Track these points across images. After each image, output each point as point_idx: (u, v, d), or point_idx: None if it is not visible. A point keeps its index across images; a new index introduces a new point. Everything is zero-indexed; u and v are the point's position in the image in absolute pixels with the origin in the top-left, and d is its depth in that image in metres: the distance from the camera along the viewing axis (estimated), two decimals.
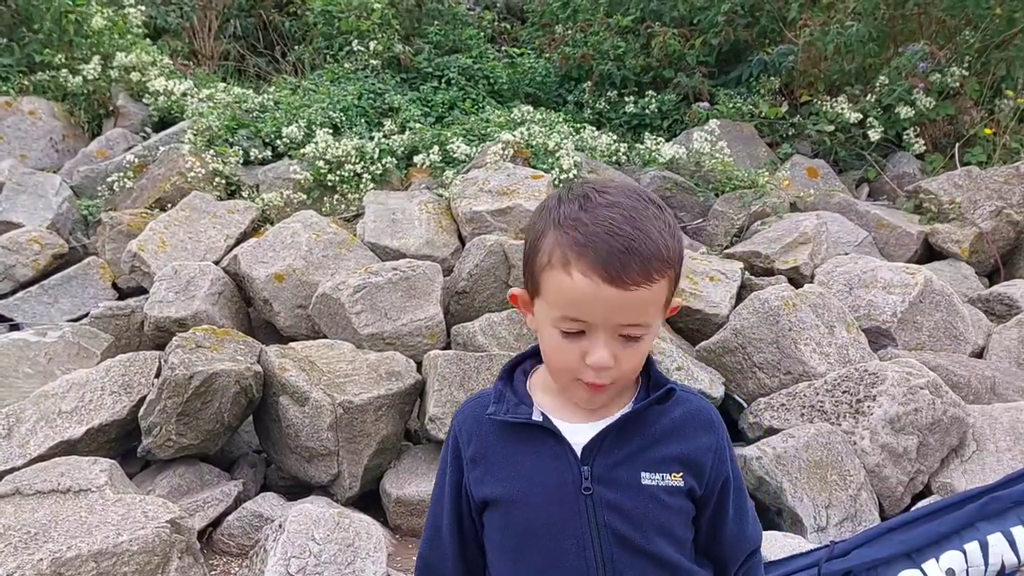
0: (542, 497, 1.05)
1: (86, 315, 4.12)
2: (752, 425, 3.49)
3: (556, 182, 4.74)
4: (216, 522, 3.07)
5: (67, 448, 2.98)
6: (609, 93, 6.30)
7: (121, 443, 3.17)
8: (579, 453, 1.05)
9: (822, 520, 3.03)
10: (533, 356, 1.16)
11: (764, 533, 2.86)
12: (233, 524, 3.04)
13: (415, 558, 2.91)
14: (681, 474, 1.06)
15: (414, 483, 3.27)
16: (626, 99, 6.20)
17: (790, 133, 6.01)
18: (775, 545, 2.74)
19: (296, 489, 3.34)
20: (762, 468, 3.04)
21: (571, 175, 4.75)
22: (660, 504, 1.05)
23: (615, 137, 5.51)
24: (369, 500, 3.33)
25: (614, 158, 5.29)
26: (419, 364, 3.52)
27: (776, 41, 6.44)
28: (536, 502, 1.05)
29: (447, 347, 3.79)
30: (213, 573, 2.86)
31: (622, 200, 0.99)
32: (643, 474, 1.05)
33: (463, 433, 1.13)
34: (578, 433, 1.07)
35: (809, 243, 4.44)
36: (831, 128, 5.78)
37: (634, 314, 0.98)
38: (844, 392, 3.36)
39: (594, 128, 5.65)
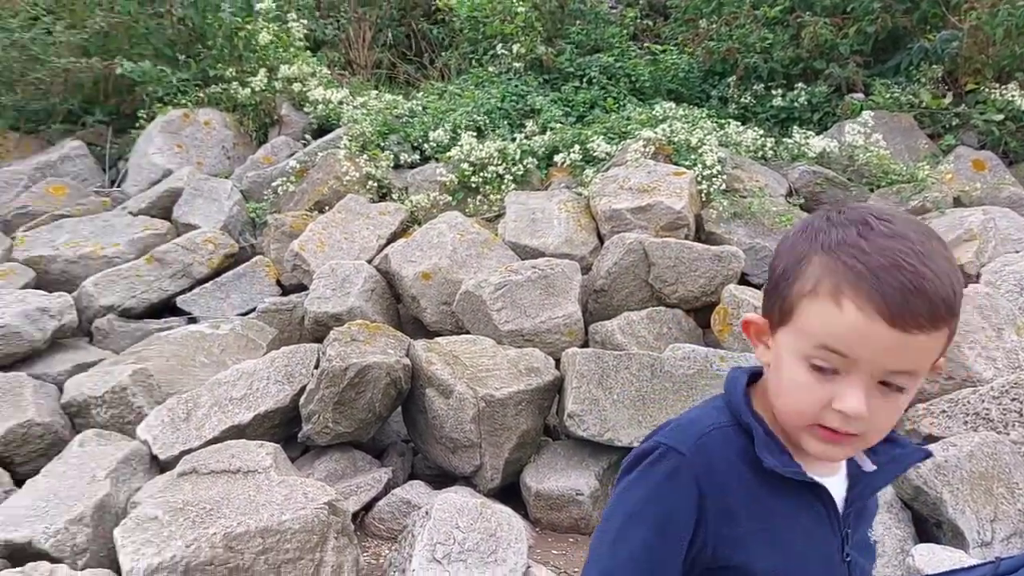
0: (812, 569, 0.93)
1: (253, 310, 4.45)
2: (909, 432, 3.32)
3: (699, 178, 4.67)
4: (368, 506, 3.25)
5: (237, 432, 3.25)
6: (755, 87, 6.13)
7: (284, 429, 3.42)
8: (841, 514, 0.94)
9: (987, 535, 2.85)
10: (750, 383, 0.99)
11: (922, 545, 2.74)
12: (383, 509, 3.22)
13: (557, 560, 2.97)
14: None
15: (553, 478, 3.33)
16: (773, 92, 6.02)
17: (954, 124, 5.64)
18: (934, 559, 2.61)
19: (441, 478, 3.48)
20: (920, 478, 2.90)
21: (715, 171, 4.67)
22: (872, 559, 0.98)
23: (761, 132, 5.37)
24: (510, 492, 3.42)
25: (760, 153, 5.15)
26: (557, 361, 3.58)
27: (938, 26, 6.05)
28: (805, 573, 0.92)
29: (585, 345, 3.83)
30: (365, 555, 3.04)
31: (908, 232, 0.86)
32: (868, 532, 0.98)
33: (714, 477, 0.91)
34: (834, 488, 0.95)
35: (975, 240, 4.17)
36: (1000, 117, 5.38)
37: (907, 360, 0.85)
38: (1013, 400, 3.15)
39: (739, 123, 5.52)
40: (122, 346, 4.25)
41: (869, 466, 0.98)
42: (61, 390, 3.70)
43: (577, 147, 5.19)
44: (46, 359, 4.05)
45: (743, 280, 4.12)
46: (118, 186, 6.19)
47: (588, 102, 5.98)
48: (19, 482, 3.17)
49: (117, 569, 2.47)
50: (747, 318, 0.97)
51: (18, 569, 2.38)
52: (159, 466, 3.19)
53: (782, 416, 0.92)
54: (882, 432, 0.90)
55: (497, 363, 3.48)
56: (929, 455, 1.00)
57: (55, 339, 4.12)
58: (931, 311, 0.84)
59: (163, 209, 5.38)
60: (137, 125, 6.39)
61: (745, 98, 6.10)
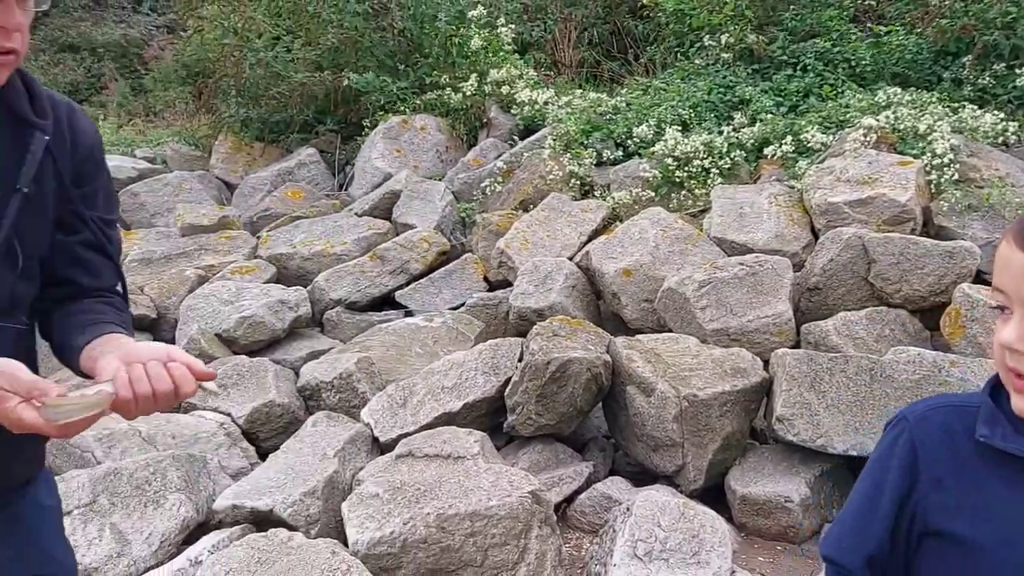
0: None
1: (462, 304, 4.67)
2: None
3: (927, 168, 4.31)
4: (570, 499, 3.31)
5: (448, 419, 3.42)
6: (995, 66, 5.54)
7: (490, 418, 3.56)
8: None
9: None
10: None
11: None
12: (584, 503, 3.26)
13: (763, 567, 2.87)
14: None
15: (760, 482, 3.22)
16: (1017, 72, 5.41)
17: None
18: None
19: (641, 476, 3.47)
20: None
21: (946, 160, 4.28)
22: None
23: (1002, 116, 4.84)
24: (713, 494, 3.35)
25: (1000, 139, 4.66)
26: (766, 362, 3.45)
27: None
28: (1016, 555, 0.90)
29: (796, 346, 3.66)
30: (567, 546, 3.10)
31: None
32: None
33: (927, 445, 0.96)
34: None
35: None
36: None
37: None
38: None
39: (975, 107, 5.02)
40: (348, 336, 4.62)
41: None
42: (297, 374, 4.08)
43: (789, 138, 4.95)
44: (285, 346, 4.49)
45: (978, 278, 3.74)
46: (346, 189, 6.71)
47: (802, 90, 5.69)
48: (262, 455, 3.54)
49: (343, 540, 2.70)
50: None
51: (261, 533, 2.66)
52: (379, 447, 3.43)
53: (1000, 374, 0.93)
54: None
55: (701, 362, 3.41)
56: None
57: (292, 328, 4.56)
58: None
59: (384, 210, 5.77)
60: (362, 132, 6.89)
61: (983, 79, 5.52)
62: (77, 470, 3.07)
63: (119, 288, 1.42)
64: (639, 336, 3.72)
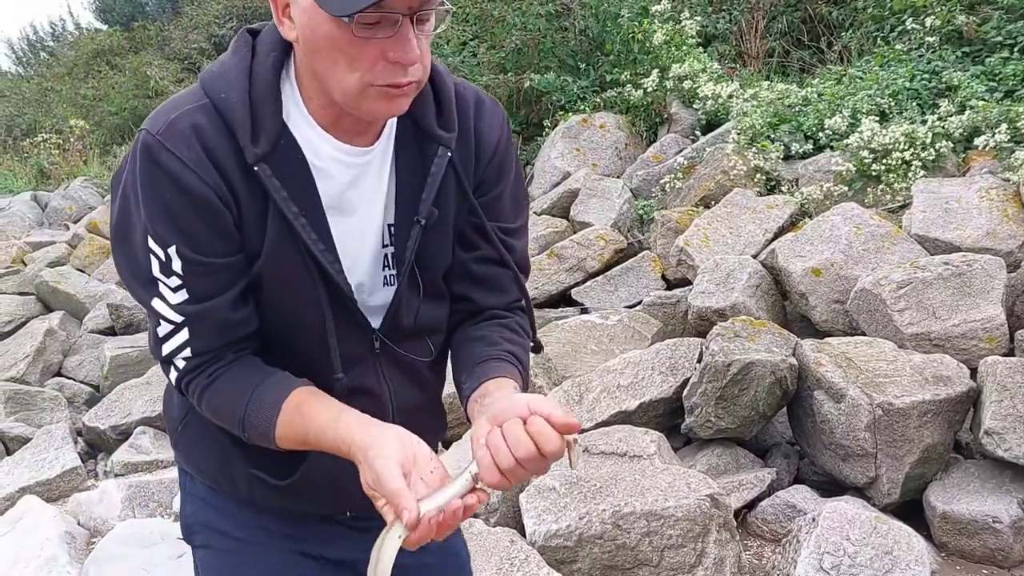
0: None
1: (639, 303, 4.64)
2: None
3: None
4: (750, 505, 3.21)
5: (623, 417, 3.42)
6: None
7: (667, 419, 3.52)
8: None
9: None
10: None
11: None
12: (767, 510, 3.15)
13: None
14: None
15: (965, 500, 2.97)
16: None
17: None
18: None
19: (828, 486, 3.30)
20: None
21: None
22: None
23: None
24: (910, 510, 3.13)
25: None
26: (973, 370, 3.17)
27: None
28: None
29: (1009, 353, 3.33)
30: (747, 553, 3.00)
31: None
32: None
33: None
34: None
35: None
36: None
37: None
38: None
39: None
40: None
41: None
42: None
43: (1004, 126, 4.51)
44: None
45: None
46: (527, 188, 6.85)
47: (1020, 75, 5.16)
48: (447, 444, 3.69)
49: (521, 530, 2.77)
50: None
51: None
52: None
53: None
54: None
55: (898, 368, 3.19)
56: None
57: None
58: None
59: (563, 208, 5.84)
60: (543, 132, 7.00)
61: None
62: None
63: (521, 303, 1.30)
64: (829, 339, 3.54)
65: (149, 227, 1.10)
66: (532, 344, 1.32)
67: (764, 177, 5.16)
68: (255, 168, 1.09)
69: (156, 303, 1.14)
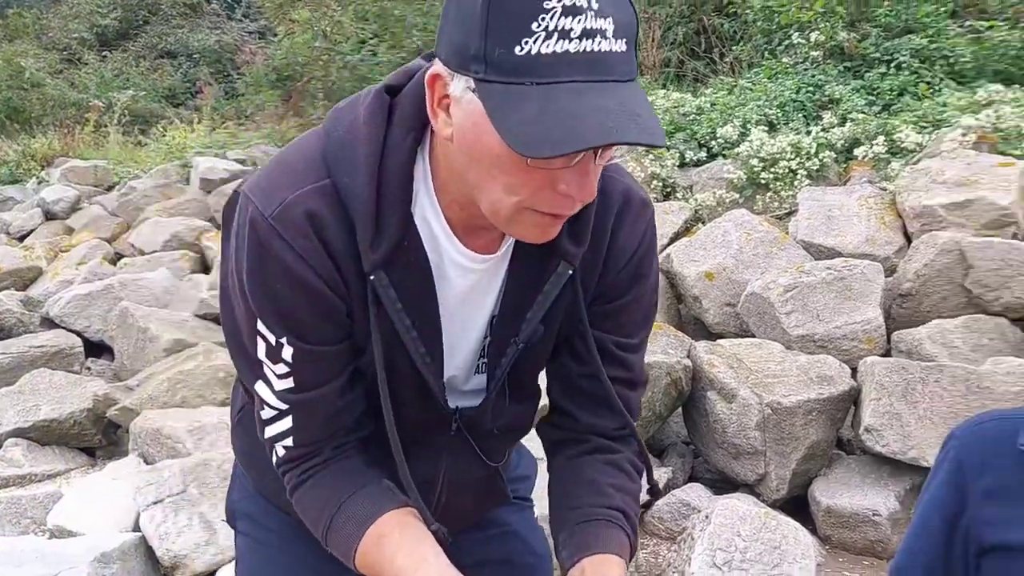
0: None
1: None
2: None
3: None
4: (647, 505, 3.27)
5: None
6: None
7: None
8: None
9: None
10: None
11: None
12: (663, 509, 3.21)
13: (845, 573, 2.79)
14: None
15: (846, 494, 3.11)
16: None
17: None
18: None
19: (721, 484, 3.40)
20: None
21: None
22: None
23: None
24: (796, 505, 3.25)
25: None
26: (854, 370, 3.33)
27: None
28: None
29: (886, 354, 3.52)
30: (644, 552, 3.06)
31: None
32: None
33: (972, 460, 0.97)
34: None
35: None
36: None
37: None
38: None
39: None
40: None
41: None
42: None
43: (882, 138, 4.78)
44: None
45: None
46: None
47: (896, 89, 5.48)
48: None
49: None
50: None
51: None
52: None
53: None
54: None
55: (785, 369, 3.32)
56: None
57: None
58: None
59: None
60: None
61: None
62: (169, 460, 3.19)
63: (631, 430, 1.15)
64: (721, 341, 3.65)
65: (258, 313, 1.01)
66: (649, 487, 1.19)
67: (661, 184, 5.28)
68: (371, 277, 0.98)
69: (260, 387, 1.06)
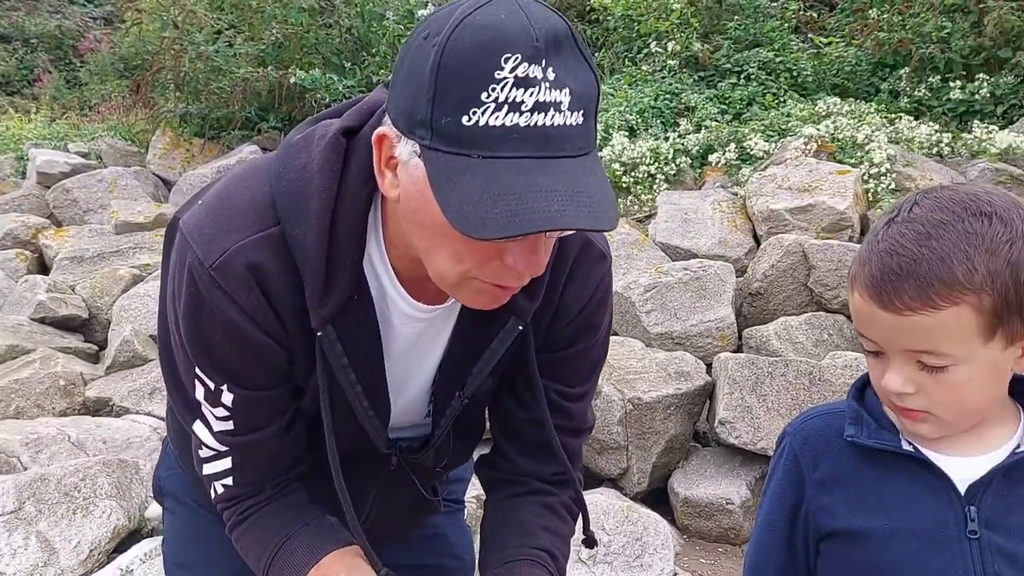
0: (915, 536, 0.94)
1: None
2: None
3: (865, 177, 4.41)
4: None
5: None
6: (930, 79, 5.71)
7: None
8: (963, 491, 0.93)
9: None
10: None
11: None
12: None
13: (705, 569, 2.90)
14: None
15: (703, 485, 3.25)
16: (951, 84, 5.59)
17: None
18: None
19: (586, 479, 3.44)
20: None
21: (883, 169, 4.39)
22: None
23: (936, 127, 5.00)
24: (657, 497, 3.37)
25: (935, 150, 4.80)
26: (709, 366, 3.49)
27: None
28: (906, 541, 0.94)
29: (738, 350, 3.71)
30: None
31: (932, 214, 0.87)
32: None
33: (807, 453, 1.01)
34: (959, 467, 0.94)
35: None
36: None
37: (920, 341, 0.88)
38: None
39: (911, 118, 5.17)
40: None
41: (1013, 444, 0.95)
42: None
43: (733, 145, 5.03)
44: None
45: None
46: None
47: (746, 99, 5.79)
48: None
49: None
50: None
51: None
52: None
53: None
54: (948, 411, 0.91)
55: (646, 366, 3.43)
56: None
57: None
58: (921, 292, 0.85)
59: None
60: None
61: (919, 91, 5.70)
62: (2, 476, 2.93)
63: (570, 475, 1.13)
64: None
65: (195, 361, 0.96)
66: (585, 537, 1.18)
67: None
68: (319, 334, 0.94)
69: (198, 427, 1.01)
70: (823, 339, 3.68)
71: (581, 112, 0.81)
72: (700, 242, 4.32)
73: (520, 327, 1.00)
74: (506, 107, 0.78)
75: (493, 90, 0.78)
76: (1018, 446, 0.94)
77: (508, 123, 0.78)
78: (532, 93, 0.78)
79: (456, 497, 1.36)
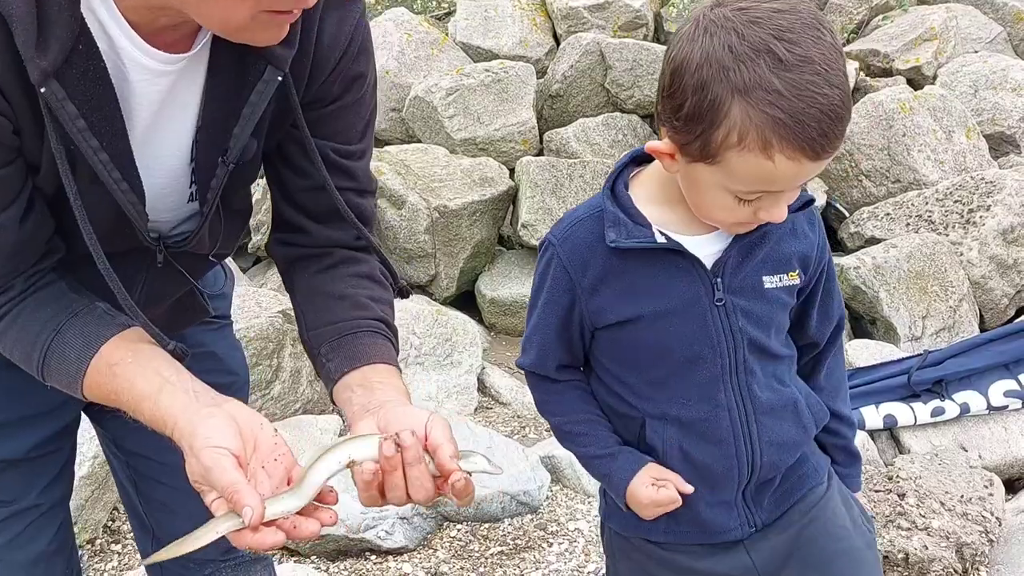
0: (673, 314, 1.04)
1: None
2: (853, 235, 3.40)
3: None
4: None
5: None
6: None
7: None
8: (708, 267, 1.04)
9: (917, 330, 3.00)
10: (631, 163, 1.10)
11: (856, 341, 2.88)
12: None
13: (511, 361, 3.07)
14: (798, 271, 1.08)
15: (507, 285, 3.38)
16: None
17: None
18: (866, 352, 2.75)
19: None
20: (859, 278, 3.00)
21: None
22: (780, 304, 1.09)
23: None
24: (465, 300, 3.48)
25: None
26: (512, 170, 3.53)
27: None
28: (666, 319, 1.05)
29: (540, 153, 3.77)
30: None
31: (812, 52, 0.88)
32: (764, 278, 1.06)
33: (574, 262, 1.06)
34: (702, 246, 1.04)
35: (935, 40, 4.07)
36: None
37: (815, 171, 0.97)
38: (956, 202, 3.21)
39: None
40: None
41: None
42: None
43: None
44: None
45: None
46: None
47: None
48: None
49: None
50: (653, 148, 1.01)
51: None
52: None
53: (702, 217, 1.03)
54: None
55: (450, 173, 3.41)
56: (812, 200, 1.10)
57: None
58: (842, 129, 0.91)
59: None
60: None
61: None
62: None
63: (365, 240, 1.09)
64: (388, 147, 3.63)
65: None
66: (397, 290, 1.14)
67: None
68: (41, 90, 0.81)
69: None
70: (618, 140, 3.80)
71: None
72: (501, 42, 4.22)
73: (279, 77, 0.94)
74: None
75: None
76: None
77: None
78: None
79: (223, 312, 1.33)
